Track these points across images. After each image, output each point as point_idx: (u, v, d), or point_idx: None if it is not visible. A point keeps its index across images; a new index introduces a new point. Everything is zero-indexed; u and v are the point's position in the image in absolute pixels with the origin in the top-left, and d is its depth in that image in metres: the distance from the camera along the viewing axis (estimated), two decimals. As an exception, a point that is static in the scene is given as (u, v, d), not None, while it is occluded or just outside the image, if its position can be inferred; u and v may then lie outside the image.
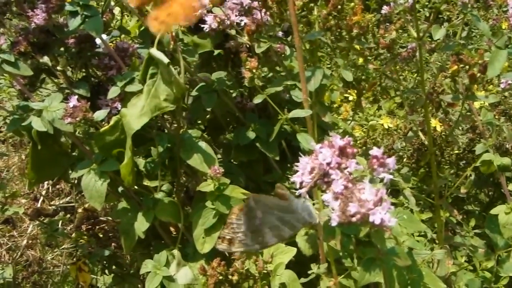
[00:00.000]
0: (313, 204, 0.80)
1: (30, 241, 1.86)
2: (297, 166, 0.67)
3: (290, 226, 0.73)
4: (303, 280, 0.99)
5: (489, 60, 1.01)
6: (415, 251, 1.02)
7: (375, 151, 0.65)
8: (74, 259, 1.68)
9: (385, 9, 1.26)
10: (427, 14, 2.24)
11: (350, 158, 0.66)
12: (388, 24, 1.26)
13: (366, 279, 0.71)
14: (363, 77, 2.05)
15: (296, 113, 0.98)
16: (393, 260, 0.71)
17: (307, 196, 0.69)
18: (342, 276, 0.96)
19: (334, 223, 0.61)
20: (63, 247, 1.78)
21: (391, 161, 0.65)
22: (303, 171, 0.67)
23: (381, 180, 0.65)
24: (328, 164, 0.65)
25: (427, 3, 2.30)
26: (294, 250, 1.09)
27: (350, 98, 1.90)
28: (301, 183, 0.66)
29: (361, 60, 1.15)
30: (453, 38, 1.31)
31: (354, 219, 0.61)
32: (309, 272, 0.96)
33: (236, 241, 0.76)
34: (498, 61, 1.04)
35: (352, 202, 0.61)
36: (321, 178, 0.65)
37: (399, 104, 2.06)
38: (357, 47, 1.09)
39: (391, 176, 0.65)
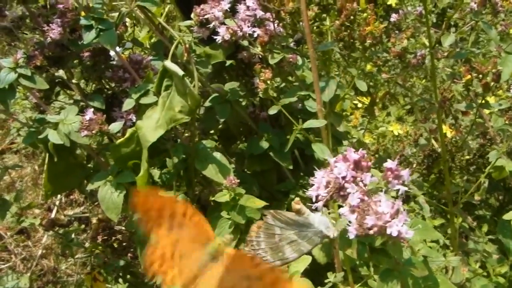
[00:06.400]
0: (329, 213, 0.81)
1: (44, 251, 1.87)
2: (312, 180, 0.68)
3: (308, 240, 0.74)
4: (319, 288, 1.00)
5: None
6: (430, 258, 1.02)
7: (389, 164, 0.66)
8: (88, 268, 1.70)
9: (394, 17, 1.26)
10: (434, 20, 2.24)
11: (365, 171, 0.67)
12: (397, 31, 1.27)
13: (384, 290, 0.71)
14: (371, 83, 2.05)
15: (311, 123, 0.99)
16: (410, 271, 0.71)
17: (324, 210, 0.70)
18: (359, 284, 0.96)
19: (351, 236, 0.62)
20: (76, 256, 1.79)
21: (405, 173, 0.66)
22: (319, 185, 0.67)
23: (396, 192, 0.66)
24: (344, 178, 0.66)
25: (433, 9, 2.30)
26: (309, 259, 1.09)
27: (360, 105, 1.90)
28: (317, 196, 0.67)
29: (369, 66, 1.16)
30: (460, 43, 1.32)
31: (371, 231, 0.61)
32: (326, 281, 0.97)
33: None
34: (507, 66, 1.05)
35: (369, 215, 0.62)
36: (337, 192, 0.66)
37: (408, 110, 2.06)
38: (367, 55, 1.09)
39: (406, 188, 0.65)
